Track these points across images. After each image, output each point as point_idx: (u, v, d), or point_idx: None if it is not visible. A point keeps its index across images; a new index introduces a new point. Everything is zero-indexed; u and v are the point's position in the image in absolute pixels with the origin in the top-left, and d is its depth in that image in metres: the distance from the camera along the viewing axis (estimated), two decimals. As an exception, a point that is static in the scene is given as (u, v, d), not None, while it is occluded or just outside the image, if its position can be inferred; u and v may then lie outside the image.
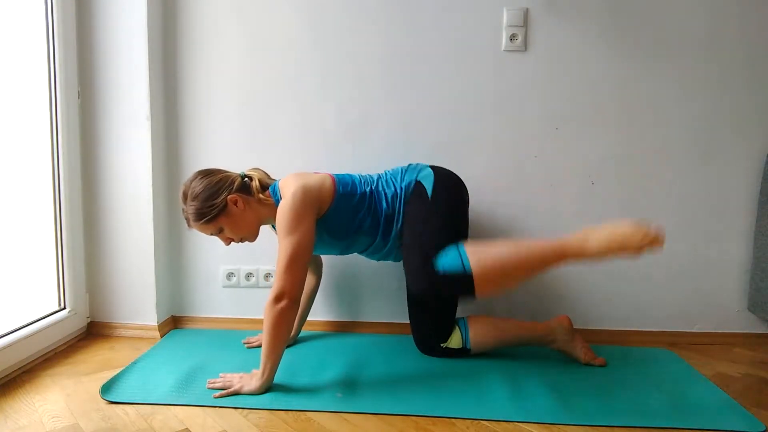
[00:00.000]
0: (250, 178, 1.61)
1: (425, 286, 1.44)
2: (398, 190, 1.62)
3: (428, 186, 1.60)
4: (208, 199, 1.52)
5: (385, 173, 1.70)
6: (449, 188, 1.62)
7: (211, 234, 1.58)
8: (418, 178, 1.62)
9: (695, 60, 1.86)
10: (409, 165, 1.71)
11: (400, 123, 1.93)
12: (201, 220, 1.53)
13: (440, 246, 1.45)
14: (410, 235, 1.54)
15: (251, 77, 1.93)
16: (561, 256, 1.37)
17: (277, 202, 1.57)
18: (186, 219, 1.58)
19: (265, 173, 1.66)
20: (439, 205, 1.57)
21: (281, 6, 1.90)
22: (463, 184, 1.69)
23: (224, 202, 1.53)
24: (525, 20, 1.86)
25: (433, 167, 1.67)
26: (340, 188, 1.59)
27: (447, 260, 1.41)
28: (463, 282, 1.38)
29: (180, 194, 1.58)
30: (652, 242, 1.29)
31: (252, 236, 1.62)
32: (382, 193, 1.62)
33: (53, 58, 1.77)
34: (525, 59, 1.89)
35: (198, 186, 1.54)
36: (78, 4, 1.83)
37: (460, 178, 1.69)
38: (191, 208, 1.54)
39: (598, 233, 1.33)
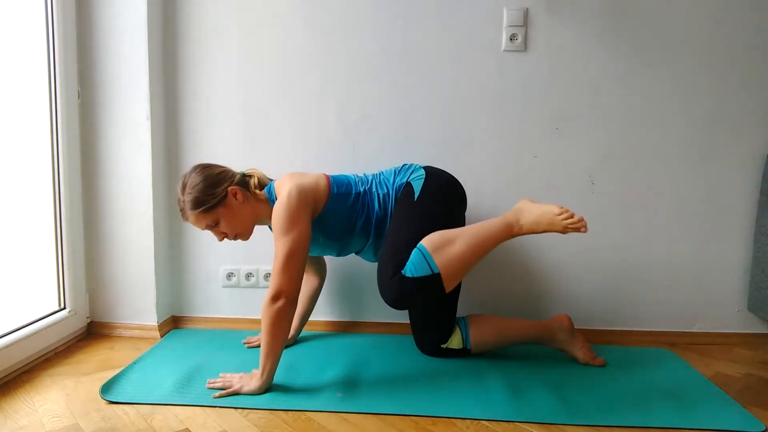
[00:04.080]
0: (249, 176, 1.61)
1: (396, 296, 1.45)
2: (390, 192, 1.62)
3: (417, 188, 1.59)
4: (208, 188, 1.50)
5: (380, 174, 1.69)
6: (438, 191, 1.60)
7: (206, 227, 1.54)
8: (409, 180, 1.62)
9: (695, 60, 1.86)
10: (404, 165, 1.70)
11: (400, 123, 1.93)
12: (199, 208, 1.49)
13: (411, 251, 1.46)
14: (387, 240, 1.54)
15: (251, 77, 1.93)
16: (507, 234, 1.48)
17: (272, 202, 1.57)
18: (181, 210, 1.53)
19: (263, 174, 1.66)
20: (424, 208, 1.56)
21: (281, 6, 1.90)
22: (458, 186, 1.67)
23: (224, 193, 1.52)
24: (525, 20, 1.86)
25: (427, 168, 1.66)
26: (335, 188, 1.59)
27: (413, 265, 1.43)
28: (433, 283, 1.43)
29: (178, 186, 1.53)
30: (574, 226, 1.41)
31: (247, 233, 1.59)
32: (375, 194, 1.62)
33: (53, 58, 1.77)
34: (525, 59, 1.89)
35: (198, 177, 1.51)
36: (78, 4, 1.83)
37: (455, 179, 1.68)
38: (189, 196, 1.49)
39: (528, 215, 1.47)
